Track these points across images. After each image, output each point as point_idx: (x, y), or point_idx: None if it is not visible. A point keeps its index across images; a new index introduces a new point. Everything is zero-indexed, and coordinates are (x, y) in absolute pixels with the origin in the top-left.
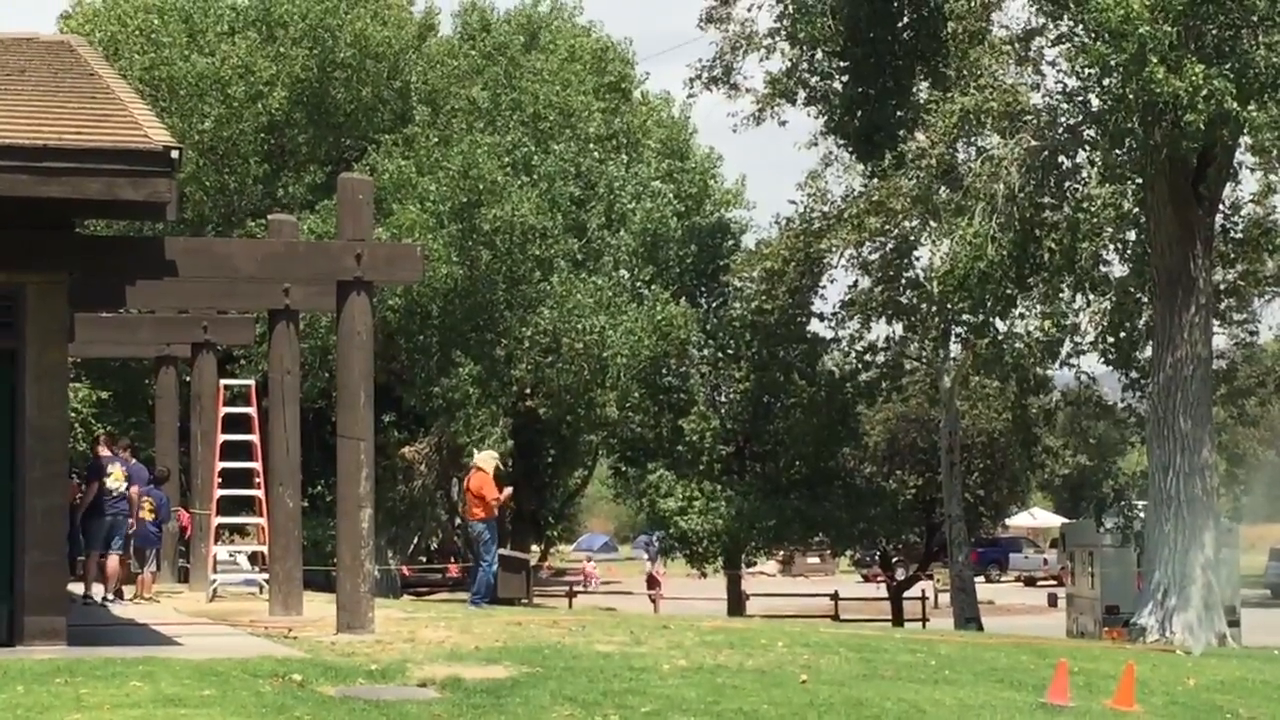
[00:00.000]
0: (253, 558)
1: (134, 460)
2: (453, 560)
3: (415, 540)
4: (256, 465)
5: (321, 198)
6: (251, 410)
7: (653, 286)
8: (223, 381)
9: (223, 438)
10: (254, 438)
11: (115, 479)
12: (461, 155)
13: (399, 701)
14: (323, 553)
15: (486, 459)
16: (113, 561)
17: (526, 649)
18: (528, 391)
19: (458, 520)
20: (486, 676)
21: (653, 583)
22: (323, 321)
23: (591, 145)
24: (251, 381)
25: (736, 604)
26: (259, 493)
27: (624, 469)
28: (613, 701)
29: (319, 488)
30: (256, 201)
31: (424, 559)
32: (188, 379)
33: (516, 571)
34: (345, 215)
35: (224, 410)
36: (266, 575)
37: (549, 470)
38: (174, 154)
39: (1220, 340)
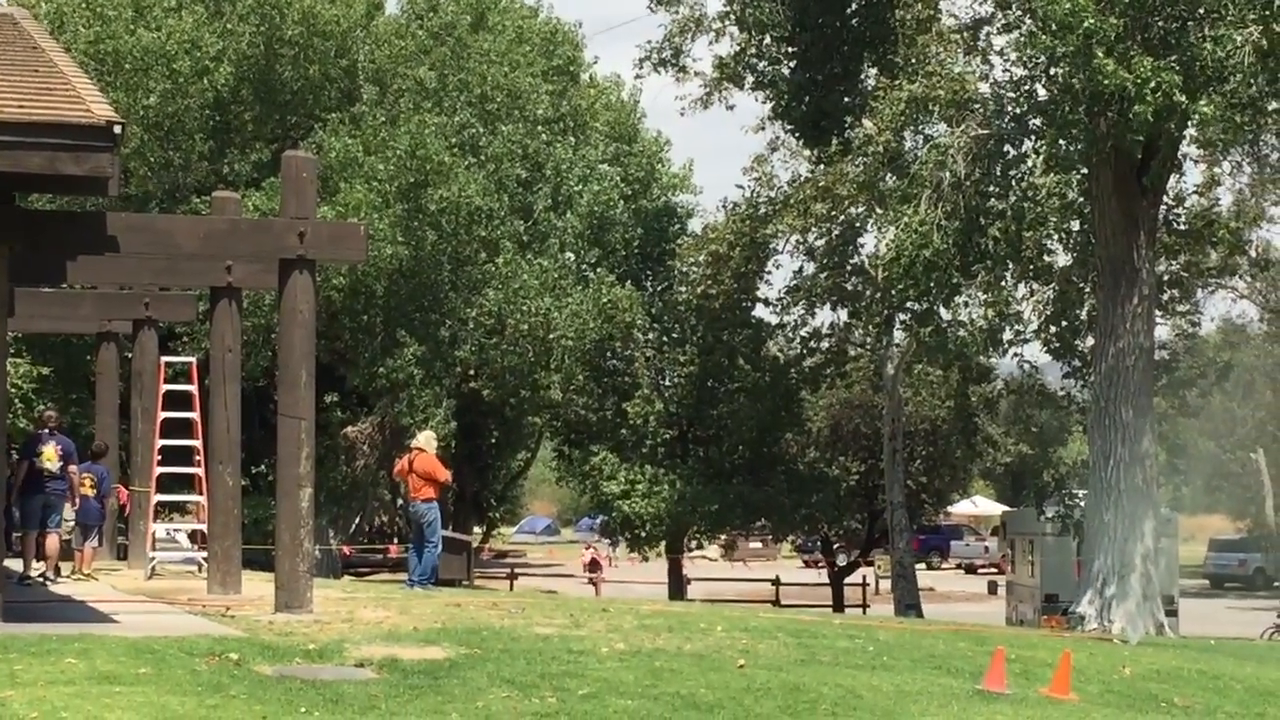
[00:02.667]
0: (192, 536)
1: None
2: (395, 541)
3: (357, 521)
4: (197, 443)
5: (267, 175)
6: (192, 388)
7: (598, 269)
8: (164, 359)
9: (163, 415)
10: (194, 415)
11: (48, 458)
12: (409, 135)
13: (336, 681)
14: (264, 532)
15: (428, 440)
16: (52, 540)
17: (465, 630)
18: (472, 373)
19: (400, 501)
20: (424, 657)
21: (594, 566)
22: (266, 300)
23: (539, 127)
24: (193, 359)
25: (677, 588)
26: (199, 470)
27: (567, 451)
28: (550, 684)
29: (261, 467)
30: (201, 178)
31: (365, 539)
32: (129, 355)
33: (458, 553)
34: (289, 193)
35: (165, 387)
36: (206, 554)
37: (492, 452)
38: (116, 129)
39: (1162, 331)
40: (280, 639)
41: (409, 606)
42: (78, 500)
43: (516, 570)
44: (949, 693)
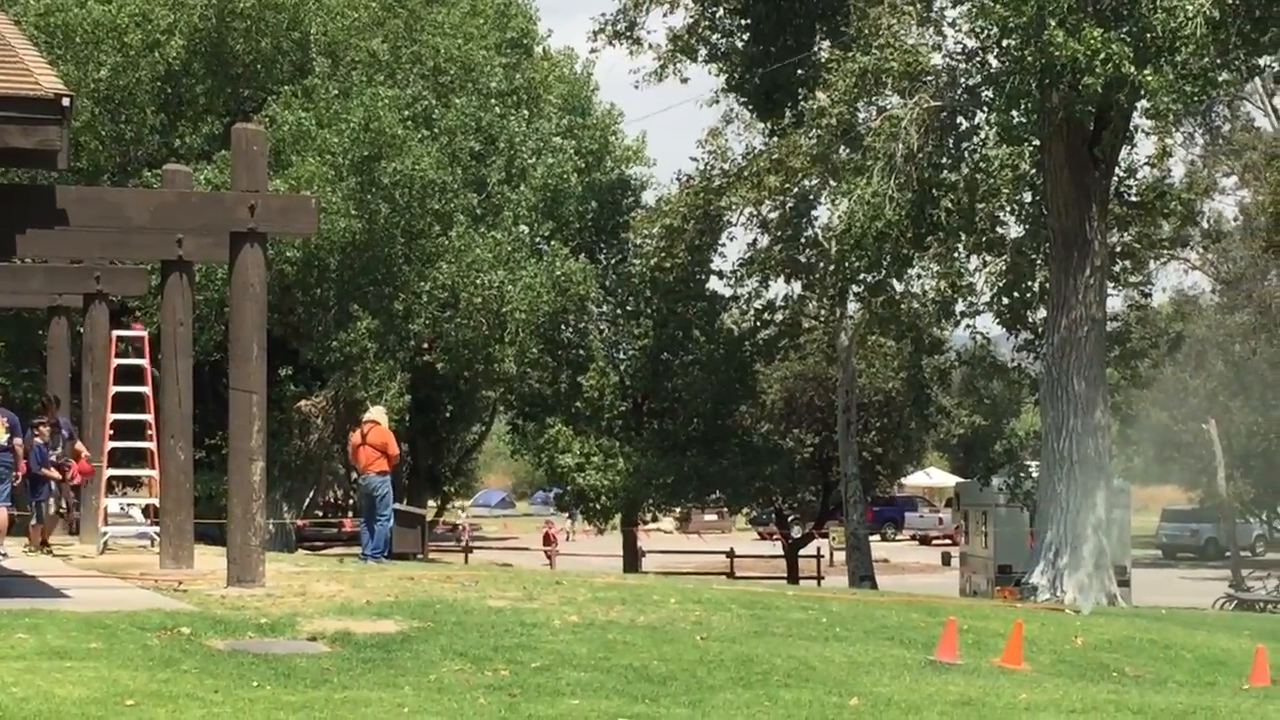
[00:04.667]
0: (145, 510)
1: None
2: (349, 515)
3: (311, 495)
4: (149, 417)
5: (219, 148)
6: (144, 362)
7: (552, 242)
8: (115, 333)
9: (115, 389)
10: (146, 390)
11: None
12: (362, 108)
13: (288, 655)
14: (217, 506)
15: (382, 414)
16: (1, 514)
17: (418, 604)
18: (426, 346)
19: (354, 475)
20: (377, 631)
21: (548, 539)
22: (219, 274)
23: (493, 100)
24: (144, 333)
25: (632, 561)
26: (151, 445)
27: (522, 425)
28: (503, 657)
29: (214, 441)
30: (153, 151)
31: (320, 513)
32: (80, 330)
33: (412, 527)
34: (239, 166)
35: (116, 362)
36: (158, 528)
37: (446, 425)
38: (65, 101)
39: (1114, 302)
40: (232, 613)
41: (362, 580)
42: (18, 476)
43: (471, 544)
44: (901, 663)
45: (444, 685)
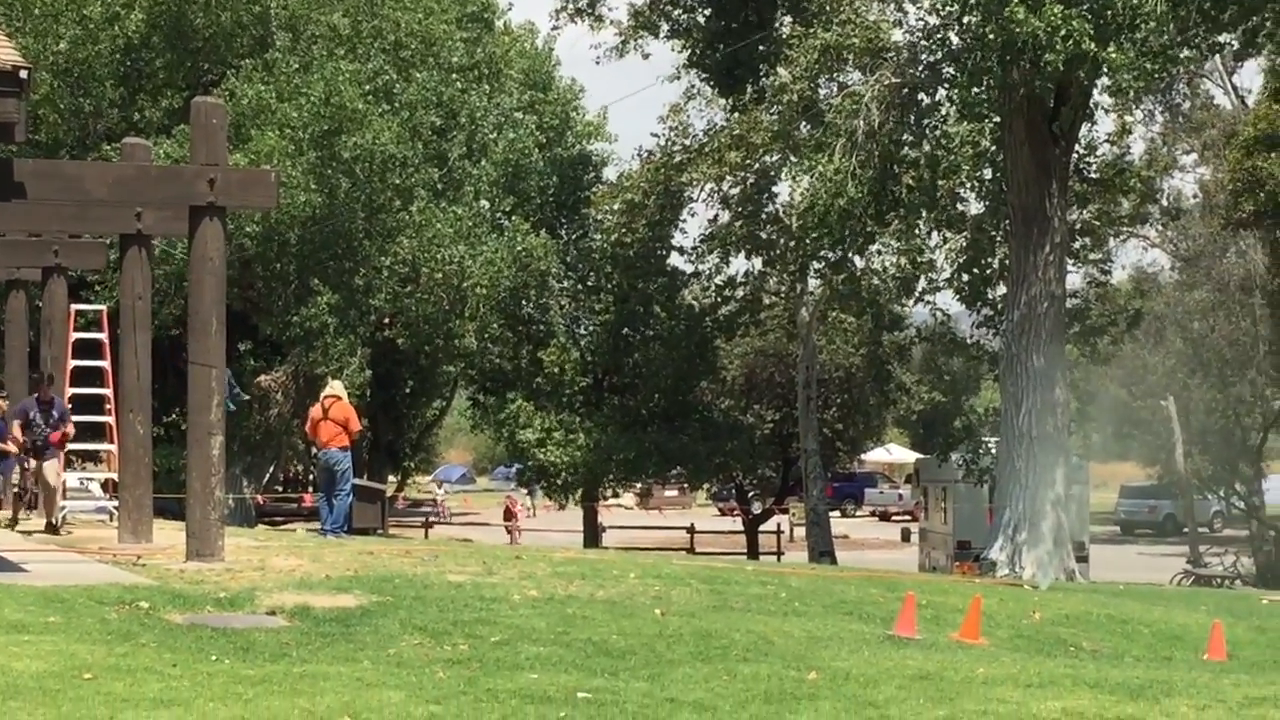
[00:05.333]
0: (105, 485)
1: None
2: (310, 490)
3: (271, 469)
4: (107, 391)
5: (179, 123)
6: (103, 336)
7: (513, 217)
8: (74, 306)
9: (73, 363)
10: (105, 364)
11: None
12: (322, 82)
13: (247, 630)
14: (177, 481)
15: (342, 388)
16: None
17: (377, 578)
18: (386, 321)
19: (314, 450)
20: (336, 605)
21: (509, 514)
22: (178, 248)
23: (453, 75)
24: (103, 307)
25: (593, 536)
26: (110, 419)
27: (482, 400)
28: (462, 631)
29: (174, 415)
30: (112, 125)
31: (280, 488)
32: (39, 304)
33: (372, 502)
34: (198, 140)
35: (75, 335)
36: (117, 502)
37: (407, 401)
38: (23, 74)
39: (1074, 279)
40: (191, 587)
41: (321, 555)
42: None
43: (431, 519)
44: (860, 638)
45: (403, 659)
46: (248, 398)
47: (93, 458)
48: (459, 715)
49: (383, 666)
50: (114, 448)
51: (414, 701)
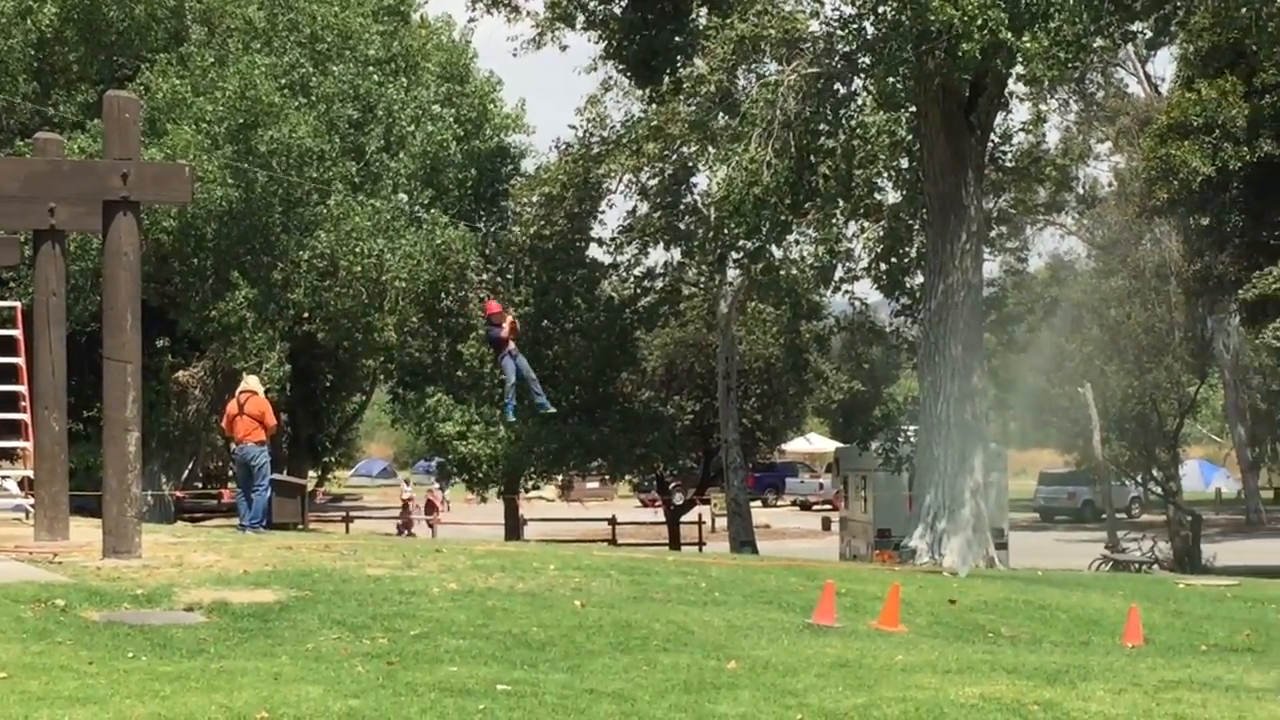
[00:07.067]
0: (21, 483)
1: None
2: (229, 486)
3: (190, 466)
4: (22, 388)
5: (93, 117)
6: (17, 333)
7: (432, 210)
8: None
9: None
10: (19, 361)
11: None
12: (238, 76)
13: (164, 626)
14: (95, 478)
15: (258, 383)
16: None
17: (296, 573)
18: (305, 315)
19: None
20: (254, 601)
21: (430, 508)
22: (93, 243)
23: (370, 67)
24: (17, 304)
25: (514, 529)
26: (25, 416)
27: (402, 394)
28: (381, 625)
29: (93, 412)
30: (25, 120)
31: (199, 484)
32: None
33: (291, 497)
34: (111, 134)
35: None
36: (33, 501)
37: (326, 395)
38: None
39: (991, 267)
40: (108, 584)
41: (240, 550)
42: None
43: (352, 513)
44: (779, 627)
45: (321, 654)
46: None
47: (9, 455)
48: (378, 709)
49: (301, 661)
50: (30, 445)
51: (332, 696)
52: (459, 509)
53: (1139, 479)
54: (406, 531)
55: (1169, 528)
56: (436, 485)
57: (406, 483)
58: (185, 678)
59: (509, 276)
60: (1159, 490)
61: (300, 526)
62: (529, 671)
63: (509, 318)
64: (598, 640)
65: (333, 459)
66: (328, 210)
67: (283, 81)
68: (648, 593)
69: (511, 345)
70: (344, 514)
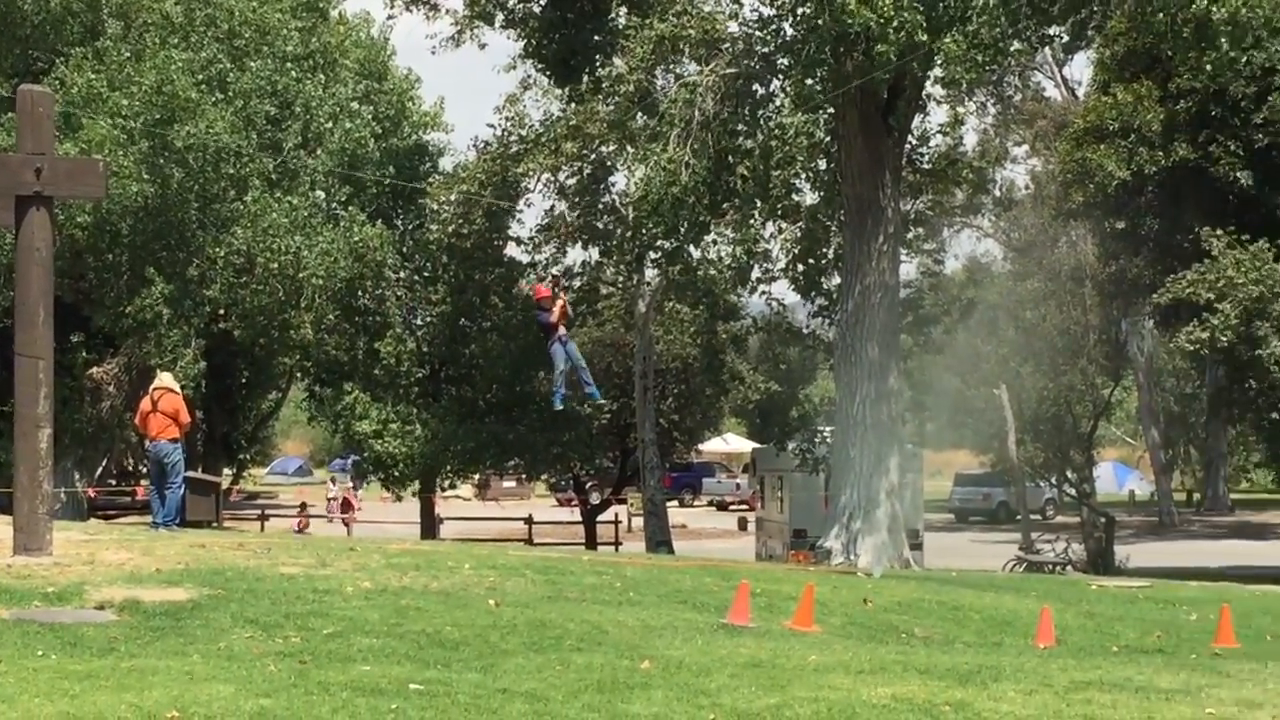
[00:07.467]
0: None
1: None
2: (142, 483)
3: (104, 463)
4: None
5: (7, 111)
6: None
7: (349, 208)
8: None
9: None
10: None
11: None
12: (154, 70)
13: (75, 624)
14: (7, 475)
15: (172, 379)
16: None
17: (209, 571)
18: (221, 312)
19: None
20: (166, 599)
21: (346, 506)
22: (6, 239)
23: (288, 64)
24: None
25: (430, 528)
26: None
27: (319, 391)
28: (295, 624)
29: (7, 407)
30: None
31: (113, 481)
32: None
33: (206, 495)
34: (24, 128)
35: None
36: None
37: (242, 392)
38: None
39: (908, 269)
40: (18, 582)
41: (152, 548)
42: None
43: (267, 511)
44: (694, 627)
45: (233, 653)
46: None
47: None
48: (289, 708)
49: (213, 660)
50: None
51: (244, 695)
52: (375, 507)
53: (1053, 480)
54: (303, 531)
55: (1083, 529)
56: (350, 484)
57: (333, 481)
58: (95, 676)
59: (426, 274)
60: (1073, 492)
61: (214, 524)
62: (442, 671)
63: (560, 301)
64: (511, 640)
65: (248, 456)
66: (245, 207)
67: (200, 77)
68: (562, 592)
69: (562, 331)
70: (259, 512)
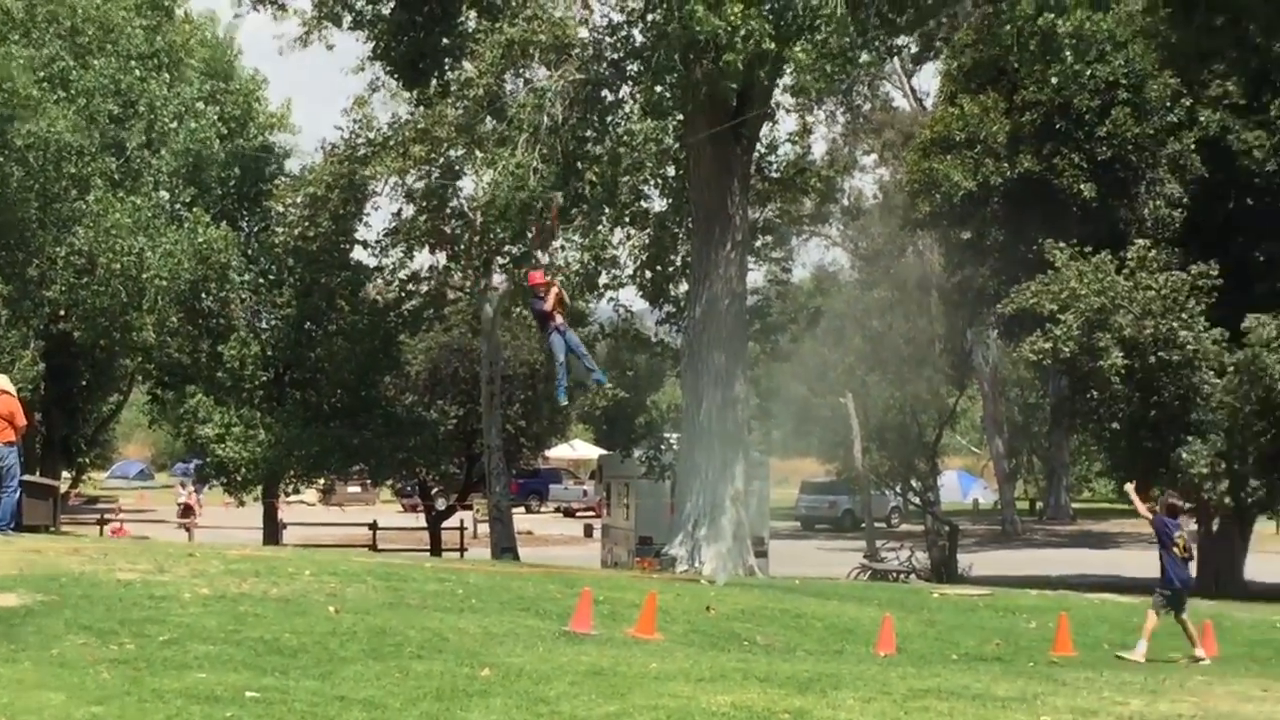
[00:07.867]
0: None
1: None
2: None
3: None
4: None
5: None
6: None
7: (194, 209)
8: None
9: None
10: None
11: None
12: None
13: None
14: None
15: (9, 382)
16: None
17: (43, 577)
18: (61, 313)
19: None
20: None
21: (187, 511)
22: None
23: (133, 62)
24: None
25: (273, 533)
26: None
27: (161, 394)
28: (130, 630)
29: None
30: None
31: None
32: None
33: (44, 499)
34: None
35: None
36: None
37: (82, 395)
38: None
39: (755, 277)
40: None
41: None
42: None
43: (106, 516)
44: (535, 634)
45: (66, 660)
46: None
47: None
48: (121, 716)
49: (45, 667)
50: None
51: (75, 703)
52: (217, 512)
53: (898, 489)
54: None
55: (926, 537)
56: (193, 488)
57: (182, 486)
58: None
59: (272, 277)
60: (918, 500)
61: (52, 529)
62: (279, 678)
63: (554, 289)
64: (351, 647)
65: (88, 460)
66: (87, 206)
67: (41, 74)
68: (404, 599)
69: (558, 319)
70: (99, 516)
